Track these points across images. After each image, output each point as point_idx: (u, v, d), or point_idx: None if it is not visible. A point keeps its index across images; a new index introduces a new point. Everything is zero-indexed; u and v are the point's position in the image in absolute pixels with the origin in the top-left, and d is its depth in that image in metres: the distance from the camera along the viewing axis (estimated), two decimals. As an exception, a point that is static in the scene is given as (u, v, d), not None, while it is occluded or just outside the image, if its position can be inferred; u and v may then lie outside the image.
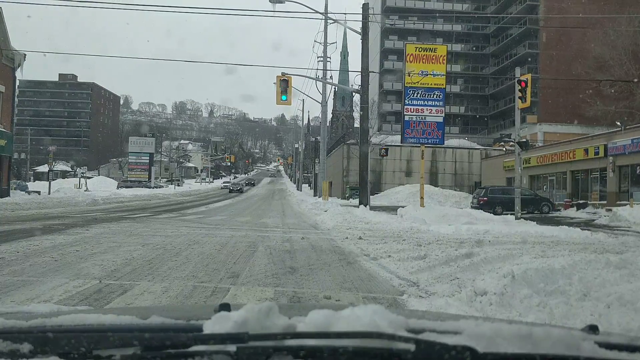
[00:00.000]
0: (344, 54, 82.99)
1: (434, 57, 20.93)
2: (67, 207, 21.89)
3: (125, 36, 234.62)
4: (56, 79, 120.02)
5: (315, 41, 61.19)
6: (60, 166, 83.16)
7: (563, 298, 4.30)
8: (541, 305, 4.23)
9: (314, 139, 62.51)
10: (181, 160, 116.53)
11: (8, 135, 28.03)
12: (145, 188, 53.82)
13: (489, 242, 9.80)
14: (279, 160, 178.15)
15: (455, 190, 40.14)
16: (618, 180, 26.25)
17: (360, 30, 21.00)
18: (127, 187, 54.75)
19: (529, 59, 49.30)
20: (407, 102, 20.82)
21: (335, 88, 47.76)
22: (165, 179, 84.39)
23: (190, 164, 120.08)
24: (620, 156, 25.72)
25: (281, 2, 22.20)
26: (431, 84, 20.75)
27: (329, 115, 69.03)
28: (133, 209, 22.43)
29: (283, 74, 20.98)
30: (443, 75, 21.14)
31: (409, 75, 20.62)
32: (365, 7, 20.89)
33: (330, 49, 70.02)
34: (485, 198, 25.81)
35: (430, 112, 20.78)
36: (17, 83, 31.91)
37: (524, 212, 20.52)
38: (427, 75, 20.59)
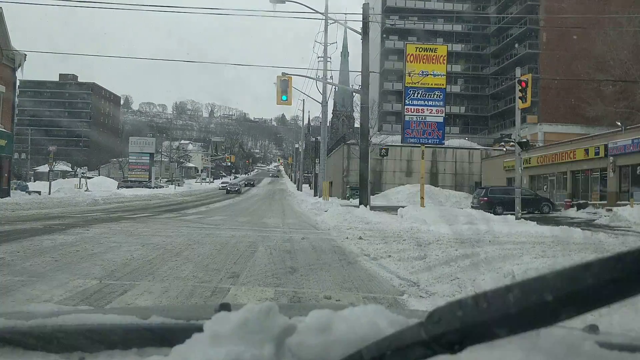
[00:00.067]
0: (344, 54, 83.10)
1: (434, 57, 20.94)
2: (67, 207, 21.90)
3: (125, 36, 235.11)
4: (56, 79, 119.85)
5: (315, 41, 61.44)
6: (61, 166, 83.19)
7: (563, 298, 4.29)
8: (541, 305, 4.22)
9: (314, 139, 62.48)
10: (181, 160, 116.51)
11: (8, 135, 28.04)
12: (146, 188, 53.78)
13: (489, 242, 9.80)
14: (279, 160, 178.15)
15: (455, 190, 40.15)
16: (618, 180, 26.25)
17: (360, 30, 20.98)
18: (127, 187, 54.70)
19: (530, 59, 49.28)
20: (407, 102, 20.83)
21: (335, 88, 47.75)
22: (166, 179, 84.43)
23: (190, 164, 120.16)
24: (621, 156, 25.72)
25: (281, 2, 22.21)
26: (431, 84, 20.76)
27: (330, 115, 69.09)
28: (133, 209, 22.44)
29: (283, 74, 21.00)
30: (443, 75, 21.15)
31: (410, 75, 20.63)
32: (365, 7, 20.88)
33: (330, 49, 70.33)
34: (485, 198, 25.79)
35: (430, 112, 20.78)
36: (18, 83, 31.92)
37: (524, 212, 20.52)
38: (427, 75, 20.60)
